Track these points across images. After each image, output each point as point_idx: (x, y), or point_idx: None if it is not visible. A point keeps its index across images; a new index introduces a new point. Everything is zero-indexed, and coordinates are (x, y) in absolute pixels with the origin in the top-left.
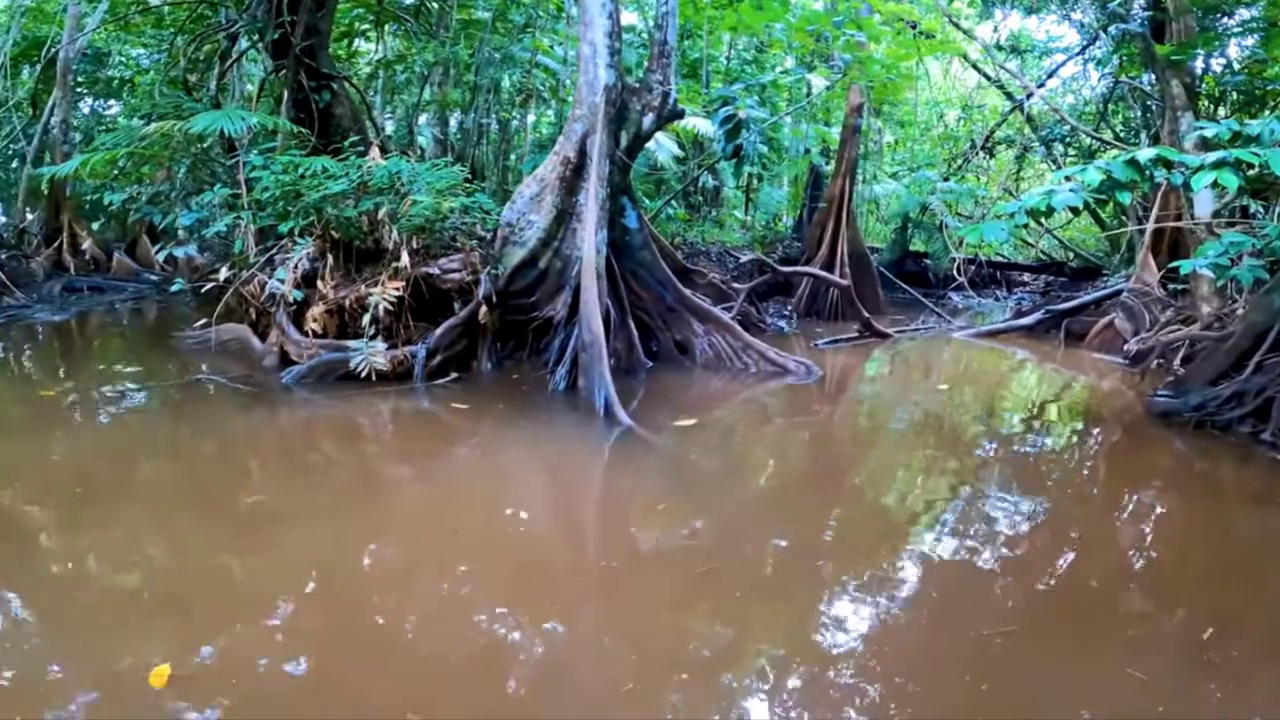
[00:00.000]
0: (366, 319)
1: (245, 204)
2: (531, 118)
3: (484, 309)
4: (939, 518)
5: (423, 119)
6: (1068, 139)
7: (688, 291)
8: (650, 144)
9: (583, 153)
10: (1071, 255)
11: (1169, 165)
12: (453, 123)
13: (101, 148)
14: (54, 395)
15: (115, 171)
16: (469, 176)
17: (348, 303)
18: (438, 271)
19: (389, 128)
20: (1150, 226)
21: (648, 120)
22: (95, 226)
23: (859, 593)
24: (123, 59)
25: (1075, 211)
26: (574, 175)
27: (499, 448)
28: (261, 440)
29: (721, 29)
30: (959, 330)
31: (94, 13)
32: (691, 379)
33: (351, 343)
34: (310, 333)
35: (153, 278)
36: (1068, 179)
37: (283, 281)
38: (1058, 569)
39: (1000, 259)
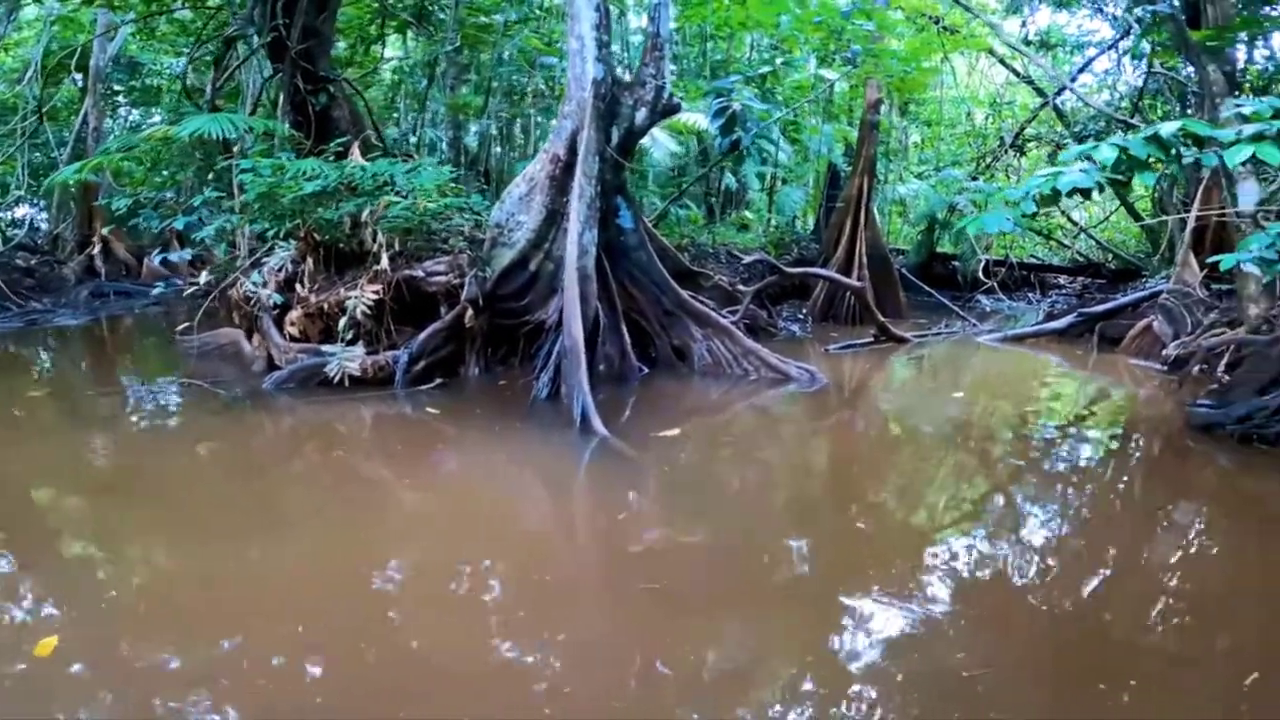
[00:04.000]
0: (342, 323)
1: (235, 207)
2: (556, 121)
3: (469, 313)
4: (927, 541)
5: (442, 124)
6: (1103, 135)
7: (687, 294)
8: (646, 140)
9: (573, 150)
10: (1110, 256)
11: (1200, 143)
12: (474, 127)
13: (101, 154)
14: (40, 396)
15: (158, 178)
16: (482, 178)
17: (326, 306)
18: (422, 274)
19: (426, 134)
20: (1188, 218)
21: (640, 115)
22: (129, 231)
23: (813, 624)
24: (155, 68)
25: (1086, 195)
26: (564, 174)
27: (462, 458)
28: (225, 445)
29: (733, 25)
30: (984, 335)
31: (120, 21)
32: (687, 386)
33: (327, 347)
34: (289, 336)
35: (179, 282)
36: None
37: (257, 285)
38: (1069, 601)
39: (1034, 260)
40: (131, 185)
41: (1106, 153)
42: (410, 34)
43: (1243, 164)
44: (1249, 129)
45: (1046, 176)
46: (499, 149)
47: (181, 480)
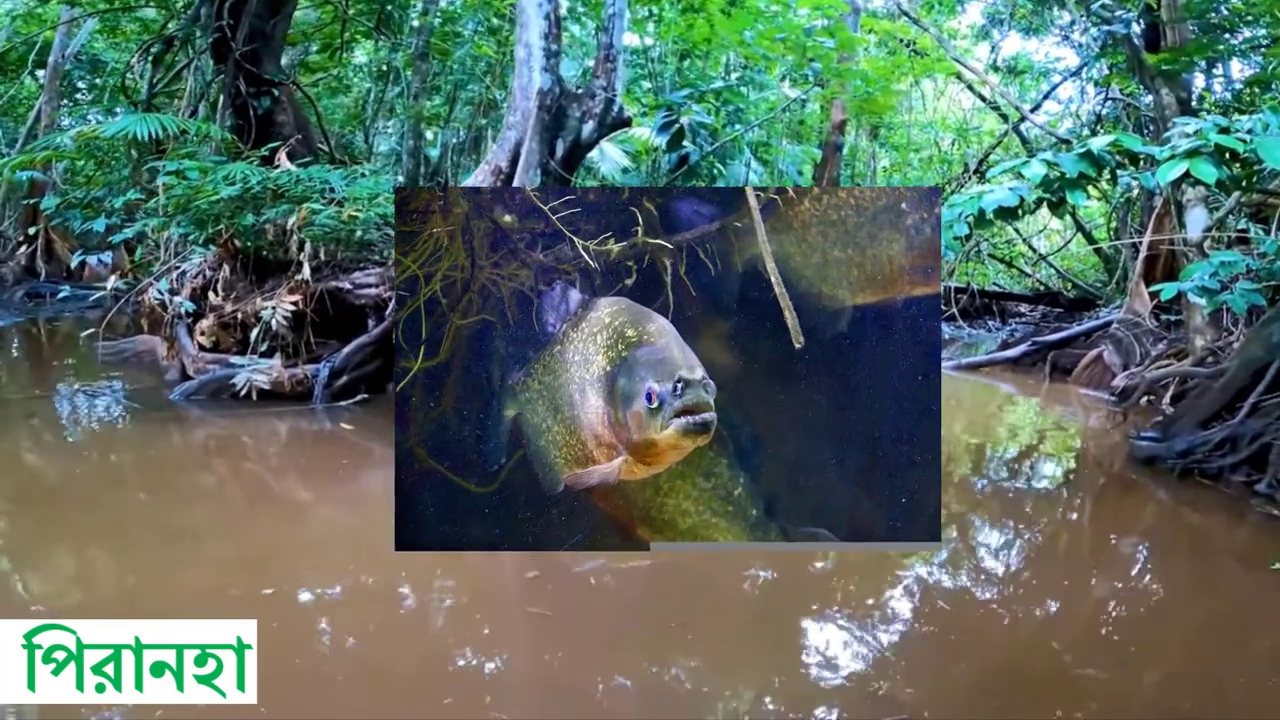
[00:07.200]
0: (255, 333)
1: (158, 209)
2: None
3: None
4: (855, 575)
5: (405, 132)
6: None
7: None
8: (594, 155)
9: (516, 162)
10: (1068, 284)
11: (1135, 161)
12: (440, 137)
13: (28, 151)
14: None
15: (112, 178)
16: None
17: (242, 315)
18: (349, 286)
19: (383, 144)
20: (1135, 245)
21: (588, 128)
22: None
23: (708, 662)
24: (117, 66)
25: (1012, 215)
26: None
27: (367, 475)
28: (119, 457)
29: (696, 40)
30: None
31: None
32: None
33: (238, 359)
34: (200, 346)
35: (121, 285)
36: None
37: (163, 291)
38: (998, 642)
39: (995, 288)
40: (85, 184)
41: (1036, 169)
42: (380, 41)
43: (1190, 189)
44: (1183, 144)
45: (972, 196)
46: (465, 160)
47: (64, 493)
